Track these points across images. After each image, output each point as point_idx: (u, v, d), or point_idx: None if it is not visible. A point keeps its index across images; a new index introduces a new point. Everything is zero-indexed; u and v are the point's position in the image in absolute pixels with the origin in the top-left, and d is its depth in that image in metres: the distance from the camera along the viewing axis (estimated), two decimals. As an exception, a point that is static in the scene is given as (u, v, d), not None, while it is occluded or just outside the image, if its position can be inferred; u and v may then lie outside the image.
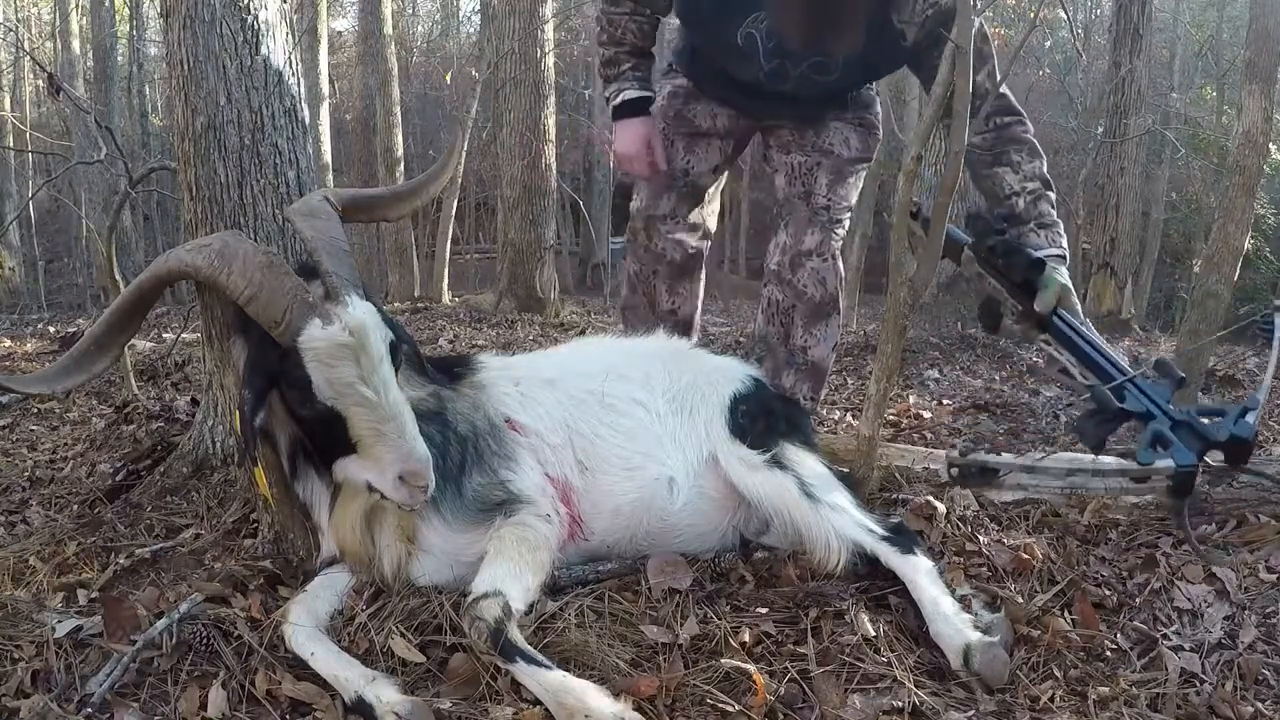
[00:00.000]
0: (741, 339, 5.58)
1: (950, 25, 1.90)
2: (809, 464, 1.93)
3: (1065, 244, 2.28)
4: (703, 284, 2.77)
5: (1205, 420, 1.78)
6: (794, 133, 2.59)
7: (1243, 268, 3.22)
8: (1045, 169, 2.31)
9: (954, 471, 2.10)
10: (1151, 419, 1.82)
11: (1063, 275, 2.17)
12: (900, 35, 2.22)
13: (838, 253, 2.60)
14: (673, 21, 2.59)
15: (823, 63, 2.31)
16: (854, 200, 2.62)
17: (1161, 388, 1.87)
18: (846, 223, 2.61)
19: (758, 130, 2.69)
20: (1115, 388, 1.87)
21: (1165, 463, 1.72)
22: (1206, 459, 1.79)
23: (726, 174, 2.76)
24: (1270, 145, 3.17)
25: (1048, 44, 16.46)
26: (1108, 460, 1.89)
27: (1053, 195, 2.30)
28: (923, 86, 2.38)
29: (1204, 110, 15.02)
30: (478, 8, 15.76)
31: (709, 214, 2.73)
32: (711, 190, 2.71)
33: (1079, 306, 2.16)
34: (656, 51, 2.61)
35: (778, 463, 1.89)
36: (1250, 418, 1.66)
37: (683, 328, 2.74)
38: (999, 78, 2.22)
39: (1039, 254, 2.19)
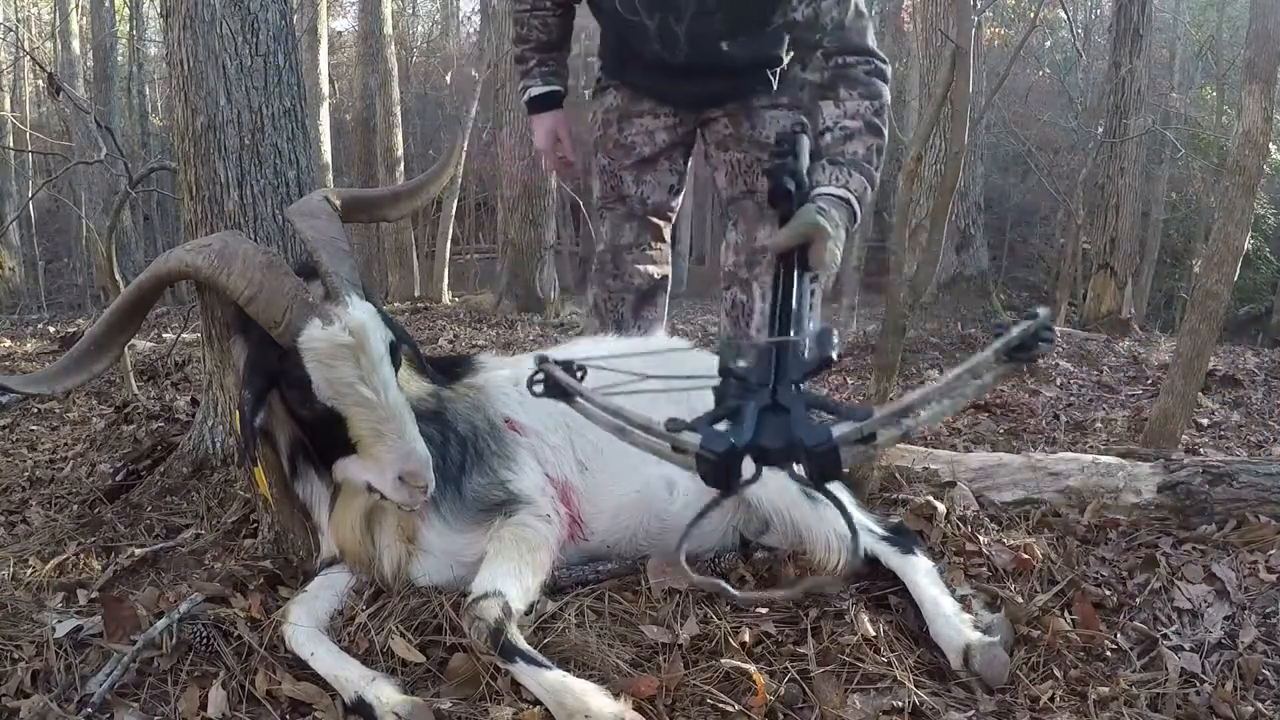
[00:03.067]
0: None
1: None
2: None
3: (858, 186, 1.97)
4: (666, 307, 2.75)
5: (811, 418, 1.25)
6: (730, 125, 2.49)
7: (1243, 268, 3.22)
8: (879, 113, 2.04)
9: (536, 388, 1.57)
10: (756, 391, 1.33)
11: (827, 216, 1.82)
12: None
13: None
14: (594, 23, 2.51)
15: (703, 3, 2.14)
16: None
17: (801, 363, 1.39)
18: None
19: (698, 128, 2.60)
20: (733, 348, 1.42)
21: (693, 439, 1.23)
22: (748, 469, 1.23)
23: (686, 188, 2.70)
24: (1270, 145, 3.16)
25: (1048, 44, 16.48)
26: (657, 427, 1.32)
27: (873, 141, 2.03)
28: (786, 27, 2.17)
29: (1204, 110, 15.02)
30: (478, 8, 15.77)
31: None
32: (676, 210, 2.67)
33: (834, 257, 1.83)
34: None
35: None
36: (844, 428, 1.19)
37: None
38: (861, 19, 2.07)
39: (816, 191, 1.94)
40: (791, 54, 2.36)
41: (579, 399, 1.40)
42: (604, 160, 2.57)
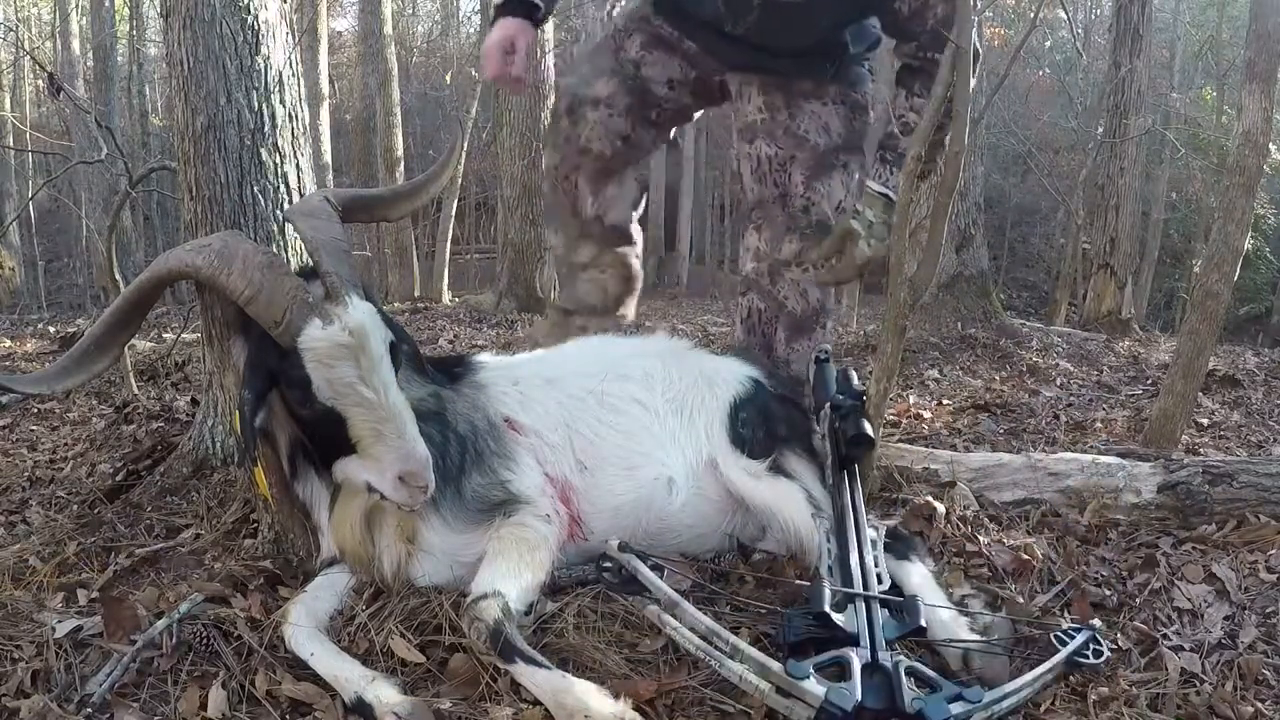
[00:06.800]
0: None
1: None
2: (806, 470, 1.93)
3: (899, 183, 2.02)
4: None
5: (912, 682, 1.28)
6: (765, 109, 2.24)
7: (1243, 268, 3.22)
8: (946, 113, 2.00)
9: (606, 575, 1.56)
10: (852, 644, 1.35)
11: (859, 218, 2.08)
12: None
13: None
14: None
15: None
16: (841, 197, 2.27)
17: (893, 625, 1.42)
18: (833, 224, 2.25)
19: (720, 87, 2.36)
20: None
21: (817, 690, 1.22)
22: None
23: (671, 130, 2.43)
24: (1270, 145, 3.16)
25: (1048, 44, 16.47)
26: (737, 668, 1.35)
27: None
28: (883, 29, 2.18)
29: (1204, 110, 15.02)
30: (478, 8, 15.76)
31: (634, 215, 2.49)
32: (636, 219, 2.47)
33: (863, 253, 2.10)
34: None
35: (777, 470, 1.89)
36: (959, 709, 1.23)
37: (615, 238, 2.43)
38: (961, 31, 1.92)
39: (867, 185, 2.16)
40: (858, 49, 2.21)
41: (661, 612, 1.42)
42: (620, 22, 2.33)
